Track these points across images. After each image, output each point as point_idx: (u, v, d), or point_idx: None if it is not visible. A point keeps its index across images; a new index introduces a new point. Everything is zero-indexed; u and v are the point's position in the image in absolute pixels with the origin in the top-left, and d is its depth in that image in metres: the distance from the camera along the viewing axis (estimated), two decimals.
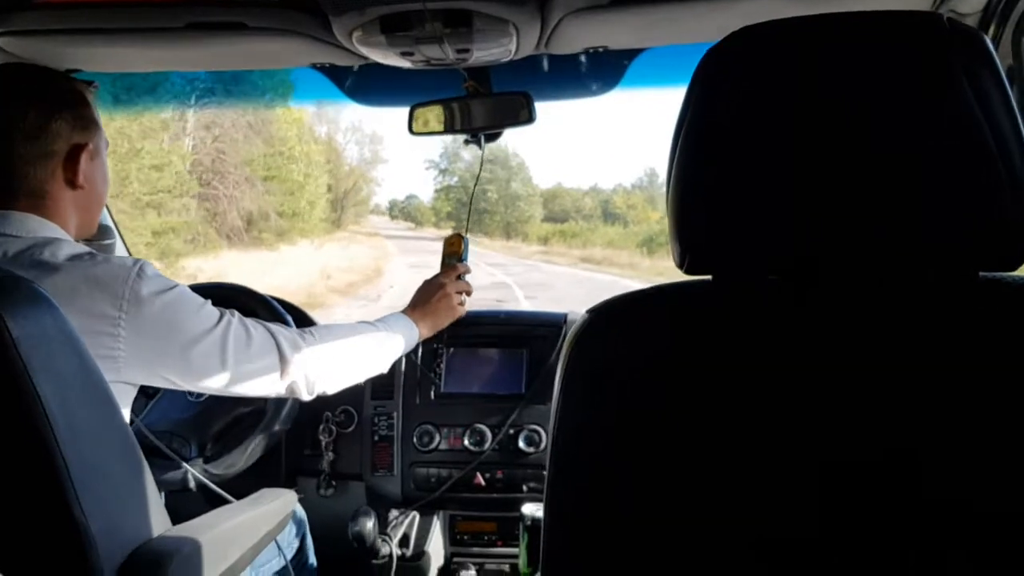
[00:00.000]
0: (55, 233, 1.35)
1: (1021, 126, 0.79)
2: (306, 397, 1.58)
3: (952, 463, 0.81)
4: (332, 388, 1.62)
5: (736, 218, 0.84)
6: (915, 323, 0.83)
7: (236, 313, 1.46)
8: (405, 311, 1.86)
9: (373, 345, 1.71)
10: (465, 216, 2.42)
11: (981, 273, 0.84)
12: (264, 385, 1.49)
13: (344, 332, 1.65)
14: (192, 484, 1.84)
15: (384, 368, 1.77)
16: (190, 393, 1.93)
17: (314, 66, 1.89)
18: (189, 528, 1.22)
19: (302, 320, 2.09)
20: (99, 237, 1.62)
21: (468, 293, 1.96)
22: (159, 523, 1.18)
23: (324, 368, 1.57)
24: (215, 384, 1.42)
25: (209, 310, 1.41)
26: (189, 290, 1.40)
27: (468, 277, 2.01)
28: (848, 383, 0.83)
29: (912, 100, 0.80)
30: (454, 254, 1.98)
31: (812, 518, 0.83)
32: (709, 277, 0.89)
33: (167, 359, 1.34)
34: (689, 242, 0.87)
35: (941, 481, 0.81)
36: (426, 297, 1.89)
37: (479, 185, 2.54)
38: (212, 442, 1.91)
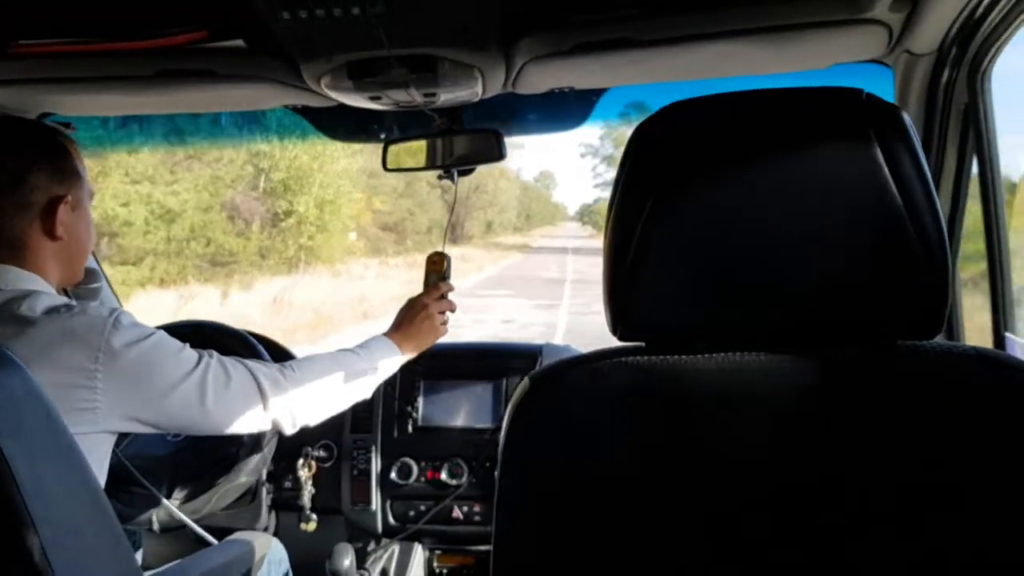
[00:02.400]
0: (34, 285, 1.35)
1: (936, 199, 0.82)
2: (289, 431, 1.58)
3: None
4: (315, 420, 1.61)
5: (663, 289, 0.87)
6: (838, 390, 0.86)
7: (215, 354, 1.46)
8: (387, 333, 1.82)
9: (354, 374, 1.69)
10: None
11: (900, 342, 0.87)
12: (247, 423, 1.49)
13: (324, 363, 1.64)
14: (156, 527, 1.84)
15: (367, 395, 1.74)
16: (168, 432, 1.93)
17: (287, 107, 1.91)
18: None
19: (280, 354, 2.10)
20: (85, 281, 1.63)
21: (451, 311, 1.93)
22: (130, 571, 1.19)
23: (305, 401, 1.56)
24: (195, 426, 1.43)
25: (187, 354, 1.41)
26: (167, 336, 1.40)
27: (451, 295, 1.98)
28: (770, 445, 0.87)
29: (832, 174, 0.83)
30: (436, 272, 1.95)
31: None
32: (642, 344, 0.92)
33: (146, 407, 1.35)
34: (620, 310, 0.90)
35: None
36: (409, 318, 1.85)
37: (453, 214, 2.55)
38: (182, 484, 1.91)
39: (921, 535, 0.84)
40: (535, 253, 38.68)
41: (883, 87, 1.60)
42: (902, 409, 0.84)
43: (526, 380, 0.93)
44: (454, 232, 35.27)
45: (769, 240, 0.84)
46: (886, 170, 0.81)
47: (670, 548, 0.89)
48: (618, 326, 0.91)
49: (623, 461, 0.89)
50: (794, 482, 0.87)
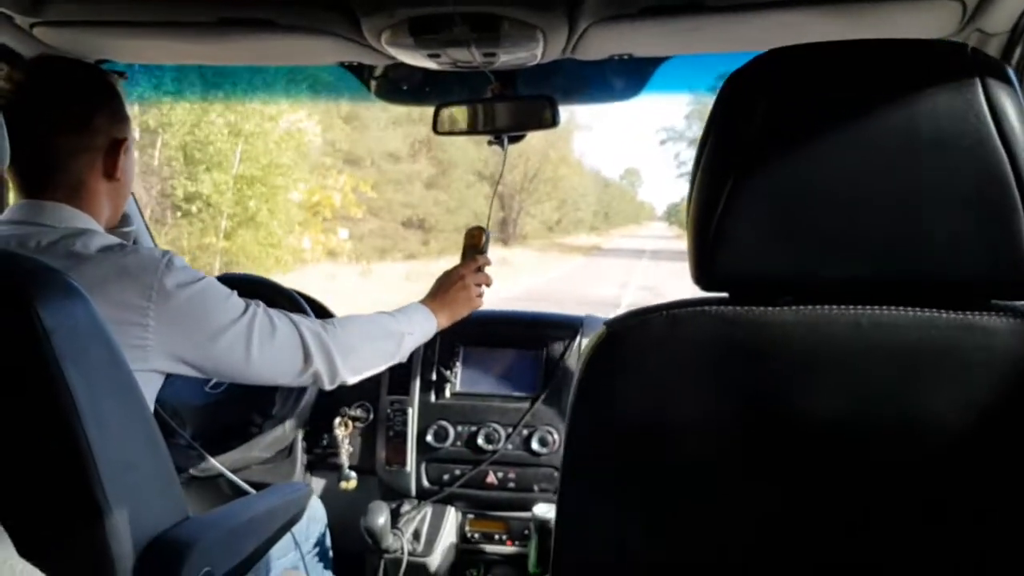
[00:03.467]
0: (87, 224, 1.38)
1: None
2: (328, 386, 1.59)
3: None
4: (353, 378, 1.62)
5: (754, 239, 0.86)
6: (928, 350, 0.84)
7: (261, 304, 1.48)
8: (424, 301, 1.84)
9: (392, 335, 1.71)
10: None
11: (993, 301, 0.85)
12: (287, 374, 1.51)
13: (364, 323, 1.65)
14: (194, 474, 1.86)
15: (403, 357, 1.76)
16: (206, 382, 1.95)
17: (342, 64, 1.91)
18: (207, 519, 1.24)
19: (321, 313, 2.11)
20: (120, 225, 1.65)
21: (488, 284, 1.94)
22: (178, 512, 1.20)
23: (346, 358, 1.57)
24: (239, 373, 1.45)
25: (235, 301, 1.43)
26: (216, 282, 1.42)
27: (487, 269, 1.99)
28: (854, 401, 0.85)
29: (934, 126, 0.81)
30: (475, 246, 1.96)
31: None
32: (726, 295, 0.90)
33: (193, 348, 1.37)
34: (706, 260, 0.88)
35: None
36: (445, 287, 1.86)
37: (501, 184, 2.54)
38: (219, 435, 1.93)
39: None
40: (602, 256, 34.09)
41: None
42: (996, 375, 0.82)
43: (602, 326, 0.92)
44: (504, 231, 32.07)
45: (864, 192, 0.82)
46: (991, 123, 0.79)
47: (744, 501, 0.88)
48: (702, 276, 0.89)
49: (702, 411, 0.88)
50: (876, 442, 0.85)
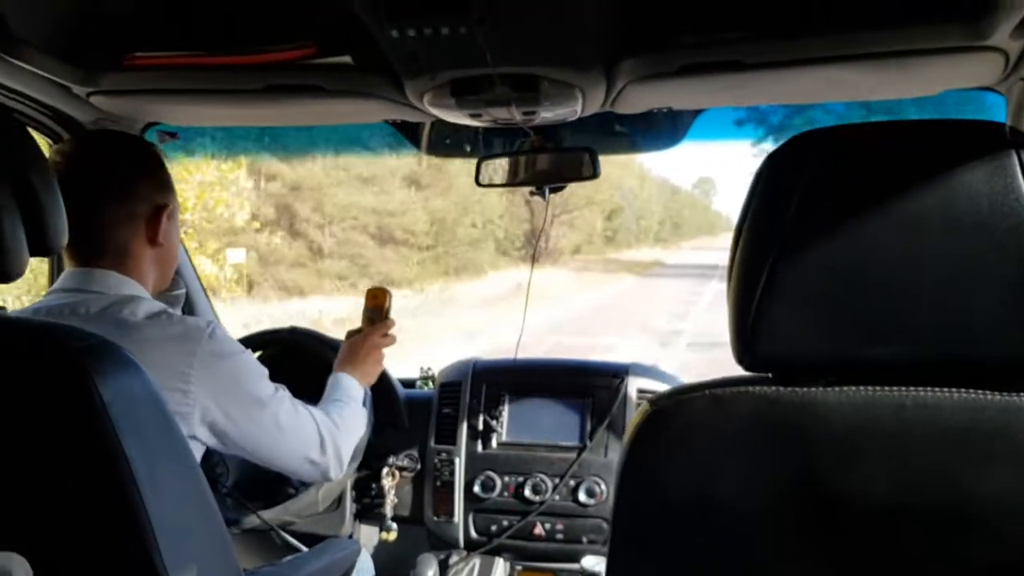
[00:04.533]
0: (134, 291, 1.43)
1: None
2: (326, 480, 1.62)
3: None
4: (344, 468, 1.64)
5: (795, 320, 0.86)
6: (973, 435, 0.83)
7: (285, 389, 1.52)
8: (343, 370, 1.82)
9: (365, 422, 1.78)
10: None
11: None
12: (301, 461, 1.54)
13: (346, 413, 1.69)
14: (243, 528, 1.88)
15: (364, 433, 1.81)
16: None
17: (386, 121, 1.95)
18: None
19: None
20: (169, 288, 1.70)
21: (392, 344, 1.91)
22: (232, 573, 1.22)
23: (343, 453, 1.61)
24: (262, 448, 1.47)
25: (267, 381, 1.48)
26: (253, 357, 1.47)
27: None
28: (895, 485, 0.85)
29: (975, 208, 0.81)
30: (378, 308, 1.92)
31: None
32: (769, 375, 0.91)
33: (225, 417, 1.39)
34: (748, 340, 0.89)
35: None
36: (360, 356, 1.84)
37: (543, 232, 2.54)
38: (269, 490, 1.94)
39: None
40: (661, 275, 28.67)
41: (995, 114, 1.56)
42: None
43: (646, 404, 0.93)
44: (529, 245, 27.48)
45: (905, 273, 0.82)
46: None
47: None
48: (744, 356, 0.90)
49: (746, 491, 0.88)
50: (921, 527, 0.84)
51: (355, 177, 22.93)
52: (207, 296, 2.43)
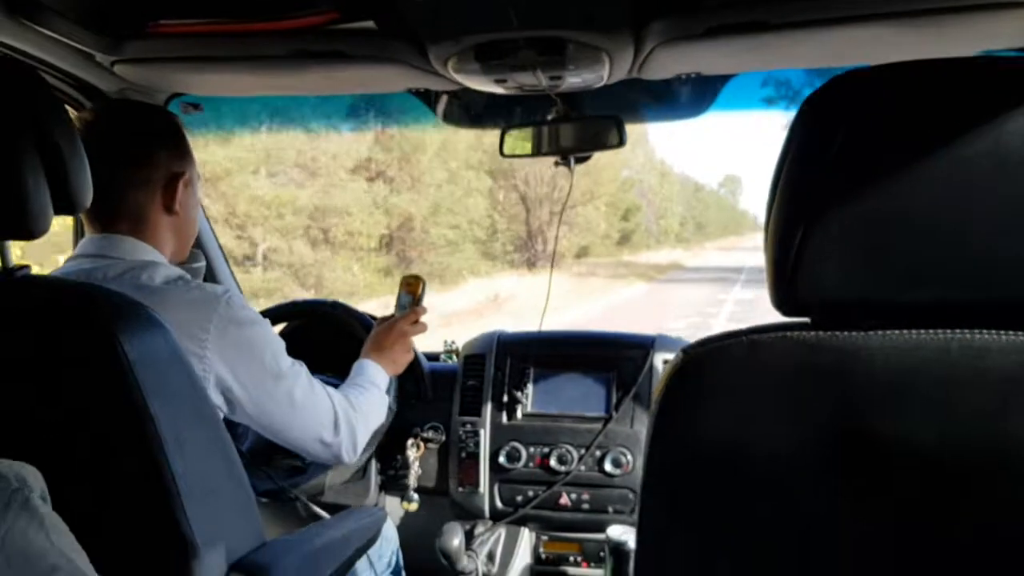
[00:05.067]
0: (152, 256, 1.43)
1: None
2: (339, 462, 1.61)
3: None
4: (359, 453, 1.63)
5: (837, 263, 0.84)
6: (1018, 378, 0.81)
7: (304, 365, 1.51)
8: (370, 358, 1.82)
9: (386, 409, 1.79)
10: None
11: None
12: (315, 439, 1.53)
13: (366, 399, 1.69)
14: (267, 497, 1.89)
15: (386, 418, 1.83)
16: None
17: (409, 90, 1.93)
18: (285, 542, 1.27)
19: None
20: (188, 260, 1.70)
21: (423, 331, 1.92)
22: (257, 537, 1.23)
23: (359, 437, 1.60)
24: (275, 420, 1.46)
25: (284, 354, 1.47)
26: (270, 327, 1.46)
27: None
28: (941, 430, 0.83)
29: (1021, 148, 0.78)
30: (412, 294, 1.94)
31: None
32: (807, 320, 0.89)
33: (240, 385, 1.39)
34: (786, 284, 0.87)
35: None
36: (388, 343, 1.85)
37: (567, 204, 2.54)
38: (293, 459, 1.95)
39: None
40: (678, 280, 25.21)
41: None
42: None
43: (680, 352, 0.91)
44: (530, 248, 25.09)
45: (951, 214, 0.80)
46: None
47: (832, 531, 0.86)
48: (783, 301, 0.88)
49: (784, 438, 0.86)
50: (967, 473, 0.82)
51: (272, 163, 19.06)
52: (229, 267, 2.43)
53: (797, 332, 0.87)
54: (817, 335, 0.86)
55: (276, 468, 1.96)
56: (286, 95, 2.29)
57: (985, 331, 0.82)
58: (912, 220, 0.81)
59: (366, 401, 1.67)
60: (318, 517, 1.88)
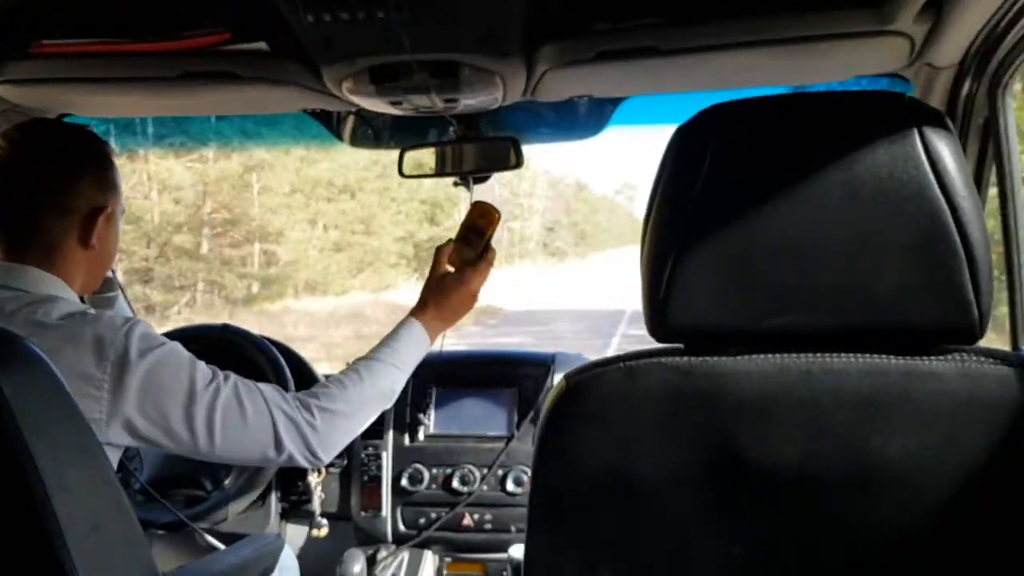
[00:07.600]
0: (56, 290, 1.33)
1: (979, 201, 0.82)
2: (305, 466, 1.51)
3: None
4: (331, 454, 1.46)
5: (705, 291, 0.87)
6: (879, 396, 0.85)
7: (232, 377, 1.38)
8: (420, 316, 1.58)
9: (384, 396, 1.53)
10: None
11: (943, 346, 0.87)
12: (255, 460, 1.41)
13: (353, 390, 1.48)
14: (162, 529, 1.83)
15: (390, 404, 1.56)
16: None
17: (306, 111, 1.92)
18: (180, 573, 1.23)
19: (305, 374, 2.10)
20: (101, 290, 1.61)
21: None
22: (149, 571, 1.19)
23: (328, 438, 1.43)
24: (197, 454, 1.36)
25: (201, 374, 1.34)
26: (179, 350, 1.35)
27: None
28: (807, 449, 0.86)
29: (876, 177, 0.83)
30: (481, 230, 1.59)
31: None
32: (680, 345, 0.92)
33: (148, 425, 1.29)
34: (660, 311, 0.89)
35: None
36: (450, 296, 1.59)
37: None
38: (189, 490, 1.90)
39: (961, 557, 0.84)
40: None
41: None
42: (946, 419, 0.84)
43: (562, 380, 0.93)
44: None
45: (810, 242, 0.84)
46: (930, 173, 0.82)
47: (709, 550, 0.89)
48: (656, 327, 0.90)
49: (662, 461, 0.89)
50: (829, 488, 0.86)
51: None
52: (124, 295, 2.36)
53: (670, 358, 0.90)
54: (689, 360, 0.89)
55: (174, 499, 1.91)
56: (178, 116, 2.24)
57: (844, 354, 0.86)
58: (773, 249, 0.85)
59: (361, 391, 1.47)
60: (215, 548, 1.83)
